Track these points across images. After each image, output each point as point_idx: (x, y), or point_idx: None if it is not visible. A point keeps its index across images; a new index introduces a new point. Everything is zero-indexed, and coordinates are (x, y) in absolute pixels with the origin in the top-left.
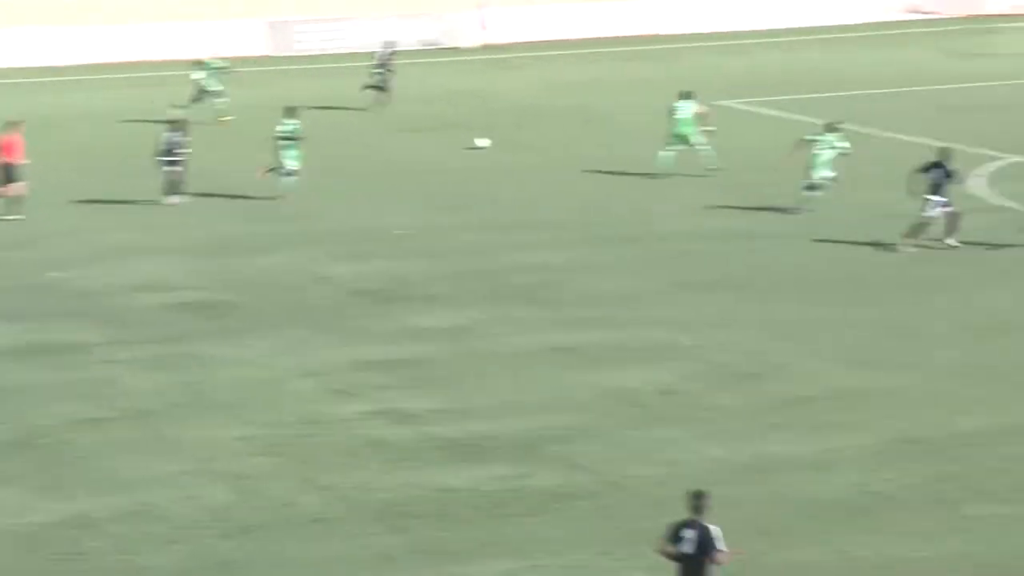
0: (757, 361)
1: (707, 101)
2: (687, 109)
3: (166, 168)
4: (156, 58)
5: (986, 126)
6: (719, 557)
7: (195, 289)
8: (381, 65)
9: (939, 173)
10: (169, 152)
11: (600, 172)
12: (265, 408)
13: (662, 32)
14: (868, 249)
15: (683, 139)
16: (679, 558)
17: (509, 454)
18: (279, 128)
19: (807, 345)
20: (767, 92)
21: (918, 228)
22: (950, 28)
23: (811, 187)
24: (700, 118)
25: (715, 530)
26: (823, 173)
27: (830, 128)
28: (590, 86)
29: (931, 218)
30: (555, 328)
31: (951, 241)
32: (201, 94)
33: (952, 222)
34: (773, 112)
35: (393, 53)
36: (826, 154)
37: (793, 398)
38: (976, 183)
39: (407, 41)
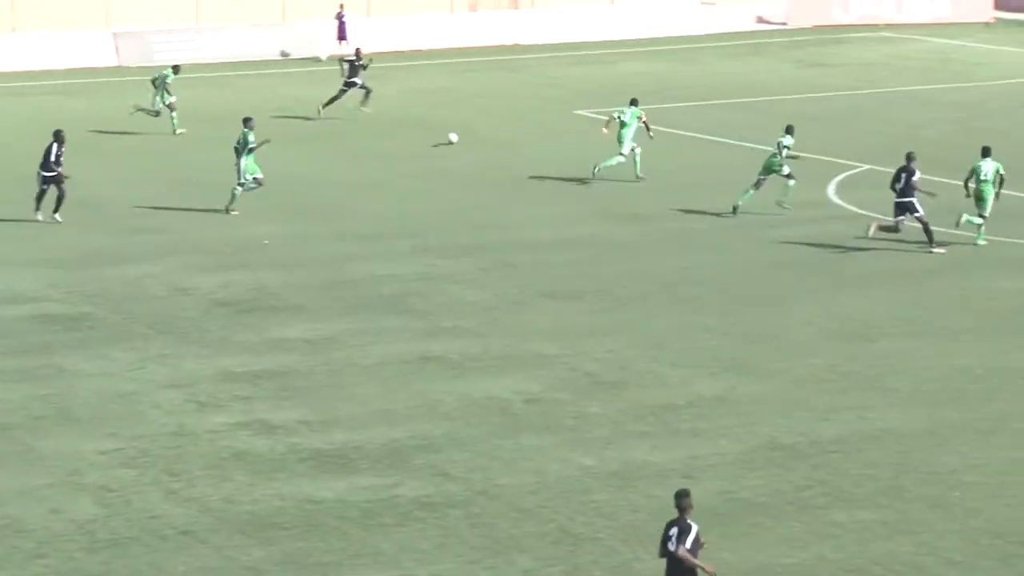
0: (623, 369)
1: (566, 111)
2: (632, 116)
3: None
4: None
5: (835, 135)
6: (680, 550)
7: (57, 301)
8: (354, 71)
9: (908, 176)
10: (47, 166)
11: (463, 181)
12: (130, 420)
13: (521, 43)
14: (731, 256)
15: (621, 140)
16: (667, 557)
17: (377, 464)
18: (242, 139)
19: (673, 352)
20: (626, 102)
21: (926, 230)
22: (799, 38)
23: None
24: (643, 126)
25: (690, 527)
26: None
27: (788, 130)
28: (450, 96)
29: (923, 216)
30: (421, 338)
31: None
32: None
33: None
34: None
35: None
36: (779, 158)
37: (659, 405)
38: (829, 191)
39: (264, 51)
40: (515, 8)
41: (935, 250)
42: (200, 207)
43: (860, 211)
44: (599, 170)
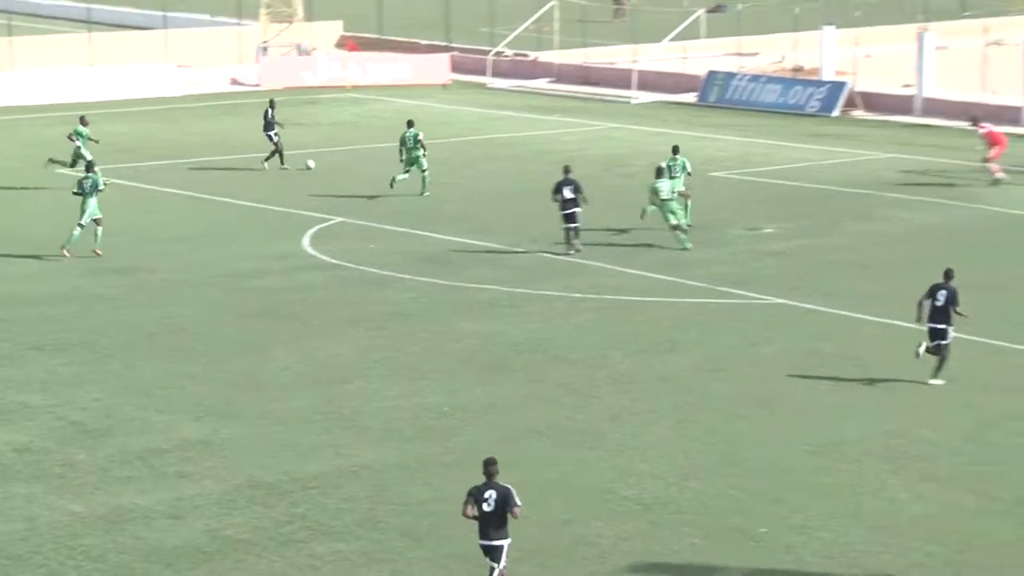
0: (109, 417)
1: (51, 169)
2: (415, 136)
3: None
4: None
5: (309, 189)
6: (517, 512)
7: None
8: (270, 126)
9: (572, 187)
10: None
11: None
12: None
13: (8, 104)
14: (210, 306)
15: (415, 162)
16: (481, 517)
17: None
18: (87, 181)
19: (159, 399)
20: (108, 161)
21: (576, 232)
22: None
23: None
24: (421, 143)
25: (509, 489)
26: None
27: (667, 164)
28: None
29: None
30: None
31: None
32: (77, 158)
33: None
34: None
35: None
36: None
37: (146, 450)
38: (304, 242)
39: None
40: None
41: (578, 247)
42: None
43: (333, 260)
44: (425, 193)
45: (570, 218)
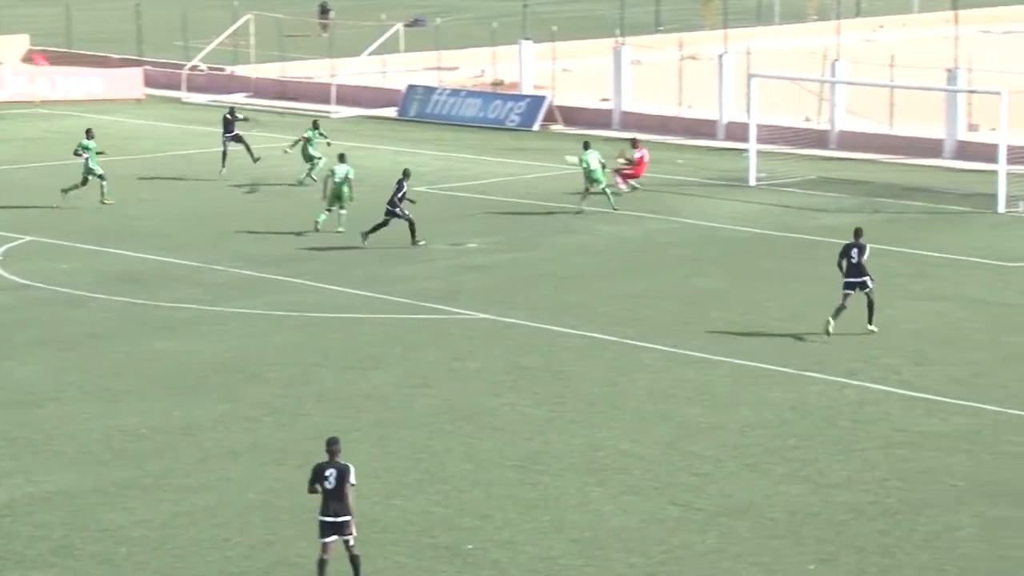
0: None
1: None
2: (317, 136)
3: None
4: None
5: None
6: (348, 488)
7: None
8: (230, 128)
9: (399, 187)
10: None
11: None
12: None
13: None
14: None
15: (308, 159)
16: (324, 494)
17: None
18: None
19: None
20: None
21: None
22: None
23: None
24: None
25: (348, 467)
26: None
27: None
28: None
29: (388, 222)
30: None
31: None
32: (87, 174)
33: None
34: None
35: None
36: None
37: None
38: None
39: None
40: None
41: (420, 243)
42: None
43: (23, 281)
44: (305, 178)
45: (391, 215)
